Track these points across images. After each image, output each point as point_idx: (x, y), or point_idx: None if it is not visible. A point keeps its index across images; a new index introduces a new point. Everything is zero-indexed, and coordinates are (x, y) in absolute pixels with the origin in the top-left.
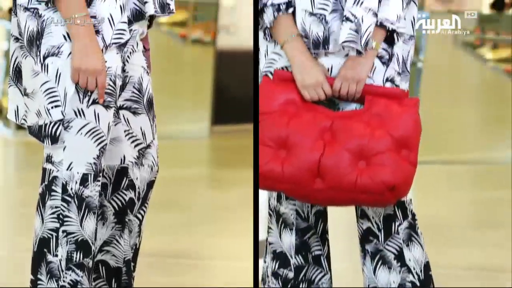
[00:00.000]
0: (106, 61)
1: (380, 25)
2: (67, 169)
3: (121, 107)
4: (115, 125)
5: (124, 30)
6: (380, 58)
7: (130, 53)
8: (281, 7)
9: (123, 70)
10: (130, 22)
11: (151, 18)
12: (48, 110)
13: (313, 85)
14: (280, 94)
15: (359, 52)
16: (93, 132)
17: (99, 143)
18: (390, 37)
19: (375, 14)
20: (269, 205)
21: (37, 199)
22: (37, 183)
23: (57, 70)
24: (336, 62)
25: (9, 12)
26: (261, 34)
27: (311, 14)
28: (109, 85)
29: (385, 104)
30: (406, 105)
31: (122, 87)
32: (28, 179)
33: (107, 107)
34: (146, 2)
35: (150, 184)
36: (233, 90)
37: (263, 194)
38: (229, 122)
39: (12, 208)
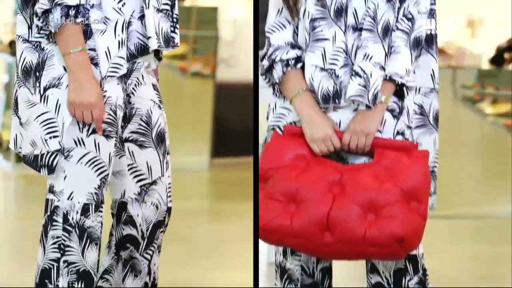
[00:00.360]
0: (106, 91)
1: (389, 79)
2: (68, 199)
3: (126, 140)
4: (119, 158)
5: (119, 64)
6: (391, 111)
7: (136, 85)
8: (289, 62)
9: (129, 102)
10: (134, 56)
11: (158, 51)
12: (46, 141)
13: (322, 138)
14: (290, 149)
15: (368, 106)
16: (93, 162)
17: (100, 173)
18: (400, 91)
19: (383, 68)
20: (275, 260)
21: (36, 232)
22: (36, 216)
23: (57, 100)
24: (344, 116)
25: (9, 45)
26: (270, 90)
27: (322, 69)
28: (110, 115)
29: (394, 156)
30: (416, 156)
31: (129, 119)
32: (28, 212)
33: (107, 136)
34: (149, 37)
35: (158, 225)
36: (232, 123)
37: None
38: (228, 155)
39: (12, 241)
